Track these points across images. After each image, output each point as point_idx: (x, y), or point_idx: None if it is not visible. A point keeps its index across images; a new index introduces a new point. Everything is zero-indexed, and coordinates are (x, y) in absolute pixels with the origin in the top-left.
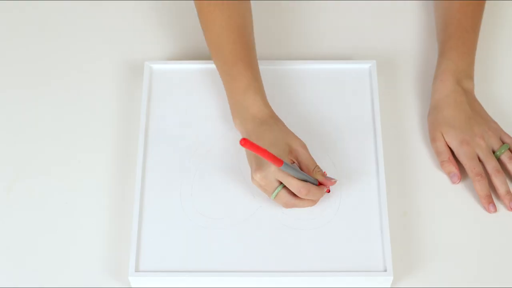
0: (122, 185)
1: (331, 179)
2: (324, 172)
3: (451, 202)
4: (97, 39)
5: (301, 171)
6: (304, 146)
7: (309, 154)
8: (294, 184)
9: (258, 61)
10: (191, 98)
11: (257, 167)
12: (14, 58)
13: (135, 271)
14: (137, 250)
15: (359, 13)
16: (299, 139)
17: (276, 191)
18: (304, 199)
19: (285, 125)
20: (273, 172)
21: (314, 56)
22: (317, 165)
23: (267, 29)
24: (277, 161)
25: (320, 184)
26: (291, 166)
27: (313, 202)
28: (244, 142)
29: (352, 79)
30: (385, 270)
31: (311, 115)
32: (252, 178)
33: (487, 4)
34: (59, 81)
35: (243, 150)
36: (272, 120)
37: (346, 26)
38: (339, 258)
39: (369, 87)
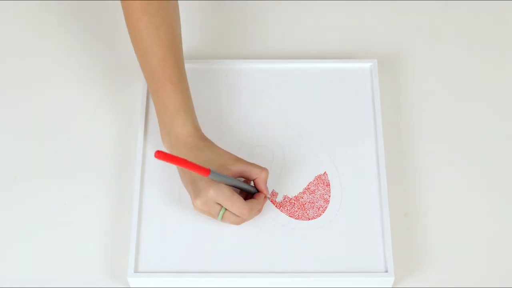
0: (121, 185)
1: (267, 190)
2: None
3: (452, 203)
4: (96, 39)
5: (231, 178)
6: (238, 159)
7: (249, 163)
8: (235, 208)
9: (260, 61)
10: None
11: (195, 194)
12: (14, 58)
13: (134, 272)
14: (136, 250)
15: (360, 12)
16: (231, 154)
17: (221, 213)
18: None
19: (216, 146)
20: (212, 196)
21: (314, 55)
22: (262, 171)
23: (267, 28)
24: (203, 170)
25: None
26: (219, 173)
27: (259, 211)
28: (159, 154)
29: (353, 78)
30: (386, 271)
31: (311, 114)
32: (194, 205)
33: (487, 4)
34: (58, 81)
35: (243, 150)
36: (203, 143)
37: (347, 25)
38: (340, 259)
39: (370, 86)
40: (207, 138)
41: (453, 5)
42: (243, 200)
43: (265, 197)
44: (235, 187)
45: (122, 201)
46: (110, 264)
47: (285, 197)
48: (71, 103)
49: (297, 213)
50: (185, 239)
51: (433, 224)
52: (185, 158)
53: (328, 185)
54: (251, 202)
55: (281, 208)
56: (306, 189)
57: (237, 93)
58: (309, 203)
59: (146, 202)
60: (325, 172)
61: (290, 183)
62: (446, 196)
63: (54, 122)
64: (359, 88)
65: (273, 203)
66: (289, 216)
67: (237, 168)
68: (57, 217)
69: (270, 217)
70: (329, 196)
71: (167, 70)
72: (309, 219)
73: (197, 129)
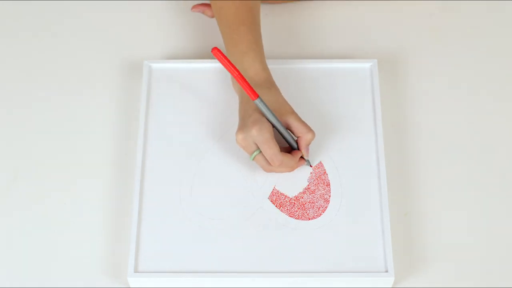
0: (121, 185)
1: (307, 152)
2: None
3: (452, 202)
4: (96, 38)
5: (275, 117)
6: (292, 112)
7: (300, 121)
8: (268, 154)
9: None
10: (191, 97)
11: (240, 127)
12: (14, 57)
13: (134, 272)
14: (136, 250)
15: (360, 12)
16: (289, 106)
17: (254, 154)
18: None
19: (279, 91)
20: (253, 135)
21: (314, 55)
22: (309, 132)
23: (267, 28)
24: (252, 91)
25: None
26: (266, 105)
27: (291, 169)
28: (216, 50)
29: (353, 78)
30: (387, 271)
31: (311, 114)
32: (244, 133)
33: (487, 4)
34: (58, 80)
35: (242, 150)
36: (268, 84)
37: (347, 25)
38: (340, 259)
39: (370, 86)
40: (273, 81)
41: (453, 5)
42: (279, 149)
43: (301, 158)
44: (275, 127)
45: (122, 201)
46: (110, 264)
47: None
48: (71, 102)
49: (297, 213)
50: (185, 239)
51: (433, 224)
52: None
53: (328, 185)
54: (286, 155)
55: (281, 208)
56: (306, 189)
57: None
58: (309, 203)
59: (146, 202)
60: (325, 172)
61: (290, 183)
62: (446, 196)
63: (54, 122)
64: (359, 88)
65: (273, 203)
66: (289, 216)
67: (287, 119)
68: (57, 217)
69: (270, 217)
70: (329, 196)
71: (242, 15)
72: (309, 219)
73: (265, 69)
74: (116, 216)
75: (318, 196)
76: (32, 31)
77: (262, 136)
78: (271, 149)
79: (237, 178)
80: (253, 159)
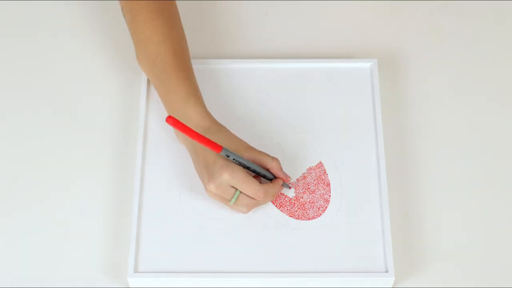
0: (121, 185)
1: (287, 175)
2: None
3: (452, 202)
4: (96, 38)
5: (244, 158)
6: (250, 147)
7: (260, 152)
8: (250, 190)
9: (260, 60)
10: None
11: (208, 177)
12: (14, 57)
13: (134, 272)
14: (136, 250)
15: (360, 12)
16: (244, 142)
17: (235, 196)
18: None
19: (228, 131)
20: (226, 179)
21: (314, 54)
22: (273, 161)
23: (267, 28)
24: (214, 145)
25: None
26: (232, 152)
27: (273, 196)
28: (170, 119)
29: (353, 78)
30: (387, 271)
31: (311, 114)
32: (206, 189)
33: (487, 4)
34: (58, 80)
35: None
36: (216, 127)
37: (347, 25)
38: (340, 259)
39: (370, 86)
40: (219, 123)
41: (453, 4)
42: (258, 182)
43: (284, 181)
44: (247, 168)
45: (122, 201)
46: (110, 264)
47: (296, 182)
48: (70, 103)
49: (297, 213)
50: (185, 239)
51: (434, 224)
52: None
53: (328, 185)
54: (267, 185)
55: (281, 208)
56: (306, 189)
57: (236, 93)
58: (309, 203)
59: (146, 202)
60: (325, 172)
61: (290, 183)
62: (446, 196)
63: (54, 122)
64: (359, 88)
65: (273, 203)
66: (289, 216)
67: (248, 156)
68: (57, 217)
69: (270, 217)
70: (329, 196)
71: (177, 63)
72: (309, 219)
73: (208, 113)
74: (116, 216)
75: (318, 196)
76: (32, 31)
77: (237, 176)
78: (252, 185)
79: None
80: (235, 202)
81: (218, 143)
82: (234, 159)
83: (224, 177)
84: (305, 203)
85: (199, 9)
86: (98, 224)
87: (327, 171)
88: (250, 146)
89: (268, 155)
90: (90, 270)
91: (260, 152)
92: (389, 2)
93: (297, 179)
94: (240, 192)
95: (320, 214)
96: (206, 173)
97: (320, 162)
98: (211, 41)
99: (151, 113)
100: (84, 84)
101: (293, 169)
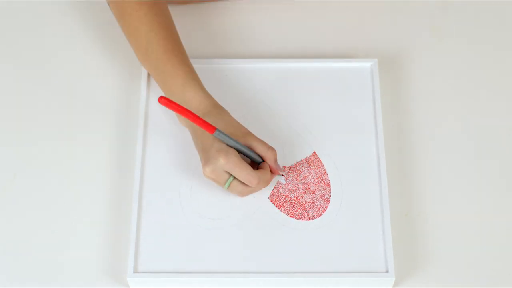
0: (121, 185)
1: (279, 168)
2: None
3: (452, 202)
4: (96, 38)
5: (238, 142)
6: (248, 133)
7: (258, 140)
8: (242, 176)
9: (260, 60)
10: None
11: (205, 161)
12: (14, 56)
13: (134, 272)
14: (136, 250)
15: (360, 11)
16: (243, 127)
17: (228, 181)
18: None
19: (229, 114)
20: (221, 164)
21: (315, 54)
22: (269, 150)
23: (267, 27)
24: (208, 126)
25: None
26: (225, 134)
27: (267, 183)
28: (162, 100)
29: (353, 78)
30: (387, 271)
31: (311, 114)
32: (203, 172)
33: (488, 4)
34: (58, 80)
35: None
36: (216, 109)
37: (348, 25)
38: (340, 259)
39: (371, 86)
40: (220, 106)
41: (454, 4)
42: (252, 169)
43: (277, 172)
44: (239, 151)
45: (121, 201)
46: (110, 264)
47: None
48: (70, 103)
49: (297, 213)
50: (185, 239)
51: (434, 224)
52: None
53: (328, 185)
54: (260, 171)
55: (281, 208)
56: (307, 189)
57: (236, 93)
58: (309, 203)
59: (145, 202)
60: (325, 172)
61: (290, 183)
62: (447, 196)
63: (54, 122)
64: (360, 88)
65: (273, 203)
66: (289, 216)
67: (245, 141)
68: (56, 217)
69: (270, 217)
70: (330, 196)
71: (170, 48)
72: (309, 219)
73: (207, 96)
74: (115, 216)
75: (319, 196)
76: (31, 31)
77: (231, 161)
78: (245, 170)
79: None
80: (228, 187)
81: (218, 125)
82: (226, 142)
83: (219, 161)
84: (305, 203)
85: (199, 9)
86: (97, 224)
87: (328, 171)
88: (249, 132)
89: (265, 144)
90: (89, 270)
91: (258, 140)
92: (390, 2)
93: (298, 179)
94: (234, 178)
95: (321, 214)
96: (203, 156)
97: (321, 162)
98: (211, 41)
99: (151, 113)
100: (83, 84)
101: (293, 169)
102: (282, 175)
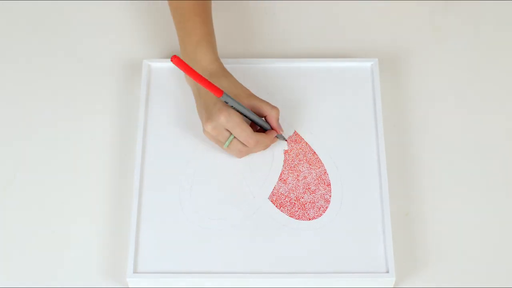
0: (120, 185)
1: (280, 127)
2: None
3: (453, 202)
4: (95, 38)
5: (244, 106)
6: (251, 95)
7: (261, 100)
8: (242, 136)
9: (260, 60)
10: (190, 96)
11: (207, 117)
12: (13, 56)
13: (133, 272)
14: (135, 251)
15: (361, 11)
16: (246, 89)
17: (229, 140)
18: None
19: (234, 78)
20: (222, 122)
21: (315, 54)
22: (273, 109)
23: (267, 27)
24: (216, 89)
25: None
26: (232, 98)
27: (266, 146)
28: (175, 59)
29: (354, 77)
30: (387, 272)
31: (311, 114)
32: (204, 130)
33: (488, 4)
34: (58, 80)
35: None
36: (222, 72)
37: (348, 24)
38: (341, 259)
39: (371, 85)
40: (226, 70)
41: (454, 4)
42: (252, 130)
43: (276, 135)
44: (245, 116)
45: (121, 201)
46: (109, 264)
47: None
48: (70, 102)
49: (298, 213)
50: (184, 240)
51: (434, 224)
52: None
53: (328, 185)
54: (260, 134)
55: (282, 208)
56: (307, 189)
57: None
58: (310, 203)
59: (145, 202)
60: (325, 172)
61: (290, 183)
62: (447, 195)
63: (54, 121)
64: (360, 87)
65: (273, 203)
66: (289, 216)
67: (249, 102)
68: (56, 217)
69: (270, 217)
70: (330, 196)
71: (196, 8)
72: (309, 219)
73: (217, 59)
74: (115, 217)
75: (319, 196)
76: (31, 31)
77: (233, 120)
78: (245, 131)
79: (237, 178)
80: (228, 146)
81: (221, 88)
82: (232, 106)
83: (221, 119)
84: (306, 203)
85: None
86: (97, 224)
87: (328, 171)
88: (253, 93)
89: (268, 104)
90: (89, 271)
91: (261, 100)
92: (390, 2)
93: (298, 179)
94: (234, 137)
95: (321, 214)
96: (206, 113)
97: (321, 162)
98: None
99: (150, 112)
100: (83, 83)
101: (293, 169)
102: (285, 138)
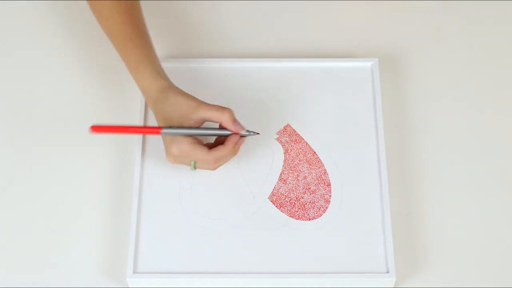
0: (120, 185)
1: (239, 127)
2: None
3: (453, 202)
4: (95, 37)
5: (189, 128)
6: (198, 106)
7: (209, 107)
8: (199, 161)
9: (260, 60)
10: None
11: (166, 151)
12: (11, 59)
13: (133, 272)
14: (135, 251)
15: (361, 11)
16: (191, 102)
17: (192, 165)
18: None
19: (177, 95)
20: (176, 153)
21: (315, 54)
22: (223, 113)
23: (267, 27)
24: (152, 130)
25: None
26: (173, 127)
27: (232, 155)
28: (94, 128)
29: (354, 77)
30: (388, 272)
31: (312, 113)
32: (169, 155)
33: (489, 4)
34: (57, 80)
35: (242, 150)
36: (162, 94)
37: (348, 24)
38: (341, 259)
39: (371, 85)
40: (166, 87)
41: (455, 4)
42: (206, 151)
43: (240, 136)
44: (199, 135)
45: (121, 201)
46: (109, 264)
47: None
48: (70, 104)
49: (298, 213)
50: (184, 240)
51: (435, 224)
52: (154, 111)
53: (328, 185)
54: (217, 150)
55: (282, 208)
56: (307, 189)
57: (236, 93)
58: (310, 203)
59: (145, 202)
60: (325, 172)
61: (290, 183)
62: (447, 196)
63: (53, 123)
64: (360, 87)
65: (273, 203)
66: (289, 216)
67: (198, 116)
68: (56, 217)
69: (271, 217)
70: (330, 196)
71: (128, 31)
72: (309, 219)
73: (156, 80)
74: (115, 217)
75: (319, 196)
76: (31, 31)
77: (183, 150)
78: (199, 155)
79: (237, 178)
80: (194, 169)
81: (165, 115)
82: (180, 134)
83: (173, 150)
84: (306, 203)
85: (199, 9)
86: (97, 224)
87: (328, 171)
88: (201, 103)
89: (218, 109)
90: (89, 271)
91: (210, 107)
92: (390, 2)
93: (298, 179)
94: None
95: (321, 215)
96: (164, 146)
97: (321, 162)
98: (211, 40)
99: (151, 113)
100: (83, 83)
101: (293, 169)
102: (251, 132)
